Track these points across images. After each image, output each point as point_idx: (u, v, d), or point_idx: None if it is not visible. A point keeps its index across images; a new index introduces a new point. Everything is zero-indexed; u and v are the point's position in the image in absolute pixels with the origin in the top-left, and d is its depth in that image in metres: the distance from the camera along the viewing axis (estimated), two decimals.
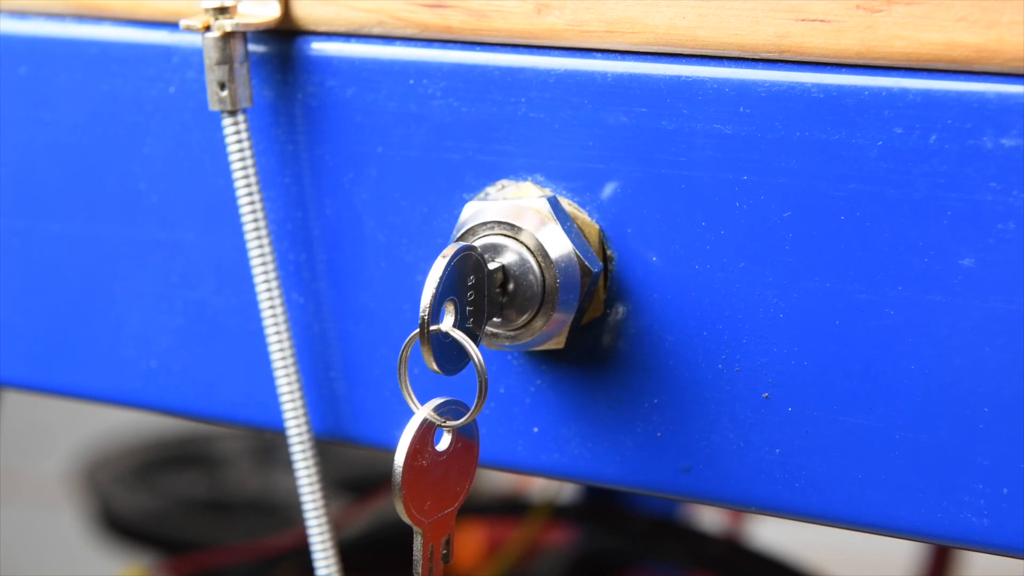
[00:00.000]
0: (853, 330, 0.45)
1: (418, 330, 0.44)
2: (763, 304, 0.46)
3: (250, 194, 0.50)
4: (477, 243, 0.46)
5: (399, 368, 0.45)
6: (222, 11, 0.49)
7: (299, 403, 0.51)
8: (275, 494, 1.12)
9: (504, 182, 0.48)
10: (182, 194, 0.52)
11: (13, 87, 0.54)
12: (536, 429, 0.49)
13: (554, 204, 0.46)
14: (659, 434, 0.48)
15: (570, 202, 0.47)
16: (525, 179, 0.48)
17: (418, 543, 0.46)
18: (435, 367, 0.45)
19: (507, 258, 0.46)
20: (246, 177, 0.50)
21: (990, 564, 0.57)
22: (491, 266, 0.46)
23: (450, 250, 0.44)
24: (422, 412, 0.45)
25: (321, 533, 0.52)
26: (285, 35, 0.50)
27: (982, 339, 0.43)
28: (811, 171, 0.44)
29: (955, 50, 0.43)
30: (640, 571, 0.87)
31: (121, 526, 1.08)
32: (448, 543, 0.47)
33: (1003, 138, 0.42)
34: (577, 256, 0.46)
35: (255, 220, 0.50)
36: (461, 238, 0.47)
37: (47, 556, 1.62)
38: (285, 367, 0.51)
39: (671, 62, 0.46)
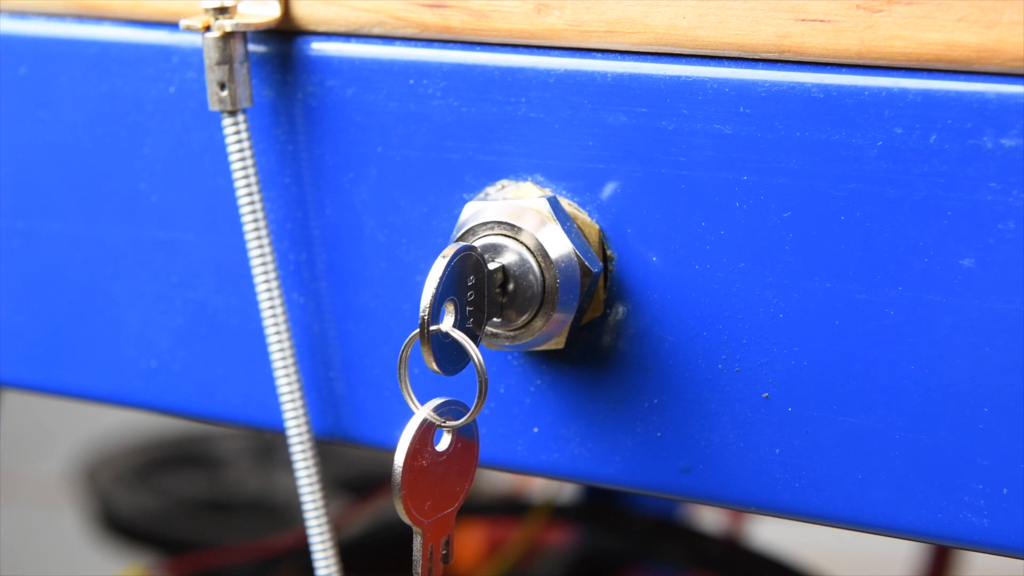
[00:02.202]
0: (853, 330, 0.45)
1: (418, 330, 0.44)
2: (763, 304, 0.46)
3: (250, 194, 0.50)
4: (477, 243, 0.46)
5: (399, 368, 0.45)
6: (222, 11, 0.49)
7: (299, 403, 0.51)
8: (275, 494, 1.12)
9: (504, 182, 0.48)
10: (182, 194, 0.52)
11: (13, 87, 0.54)
12: (536, 429, 0.49)
13: (554, 204, 0.46)
14: (659, 434, 0.47)
15: (570, 202, 0.47)
16: (525, 179, 0.48)
17: (418, 543, 0.46)
18: (435, 367, 0.45)
19: (507, 258, 0.46)
20: (246, 177, 0.50)
21: (990, 564, 0.57)
22: (491, 266, 0.46)
23: (450, 250, 0.44)
24: (422, 412, 0.45)
25: (321, 533, 0.52)
26: (285, 35, 0.50)
27: (982, 339, 0.43)
28: (811, 171, 0.44)
29: (955, 50, 0.43)
30: (640, 571, 0.87)
31: (121, 526, 1.08)
32: (448, 543, 0.47)
33: (1003, 138, 0.42)
34: (577, 256, 0.46)
35: (255, 220, 0.50)
36: (461, 238, 0.46)
37: (47, 556, 1.62)
38: (285, 367, 0.51)
39: (671, 62, 0.46)
